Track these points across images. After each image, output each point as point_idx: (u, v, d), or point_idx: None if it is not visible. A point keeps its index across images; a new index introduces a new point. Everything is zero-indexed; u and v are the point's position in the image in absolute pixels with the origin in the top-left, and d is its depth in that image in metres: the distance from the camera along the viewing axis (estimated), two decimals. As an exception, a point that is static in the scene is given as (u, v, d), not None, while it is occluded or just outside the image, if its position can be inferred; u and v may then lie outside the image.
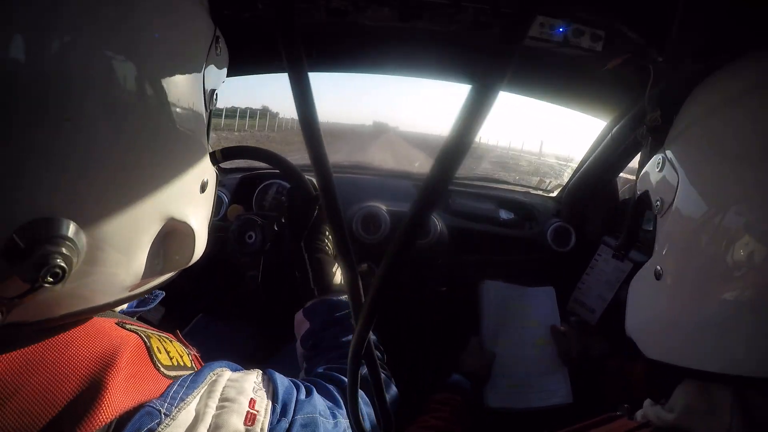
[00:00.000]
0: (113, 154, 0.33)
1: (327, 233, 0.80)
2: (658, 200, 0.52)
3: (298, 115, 0.23)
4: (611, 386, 0.91)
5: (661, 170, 0.53)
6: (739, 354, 0.40)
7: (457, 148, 0.19)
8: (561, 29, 0.78)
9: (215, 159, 0.82)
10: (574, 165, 1.43)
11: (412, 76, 1.30)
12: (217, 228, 1.19)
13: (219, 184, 1.52)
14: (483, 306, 1.16)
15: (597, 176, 1.28)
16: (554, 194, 1.50)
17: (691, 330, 0.44)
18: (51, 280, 0.30)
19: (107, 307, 0.39)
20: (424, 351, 1.38)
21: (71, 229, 0.31)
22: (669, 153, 0.52)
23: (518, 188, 1.58)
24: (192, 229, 0.43)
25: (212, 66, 0.45)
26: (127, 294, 0.40)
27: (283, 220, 0.92)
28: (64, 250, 0.30)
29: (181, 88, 0.38)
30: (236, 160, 0.93)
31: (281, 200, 1.36)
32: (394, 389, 0.65)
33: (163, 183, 0.38)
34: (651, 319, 0.51)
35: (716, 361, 0.42)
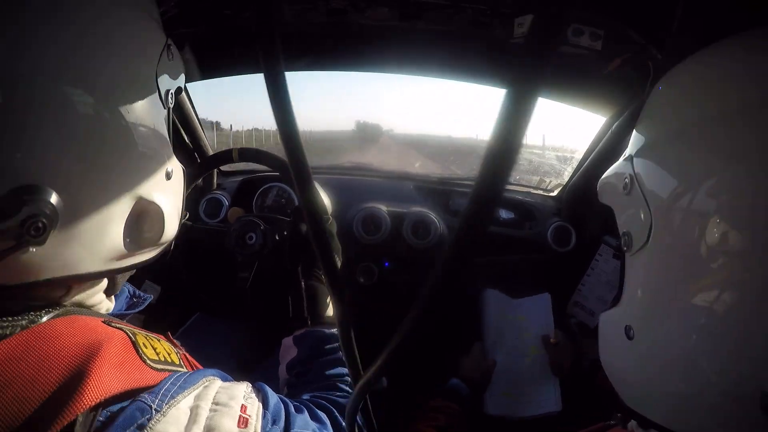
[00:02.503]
0: (83, 145, 0.39)
1: None
2: (625, 233, 0.43)
3: (277, 123, 0.22)
4: (605, 393, 0.91)
5: (628, 193, 0.43)
6: (711, 423, 0.35)
7: (502, 157, 0.17)
8: (560, 28, 0.78)
9: (231, 158, 0.85)
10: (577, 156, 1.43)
11: (413, 75, 1.31)
12: (216, 229, 1.19)
13: (219, 187, 1.52)
14: (484, 314, 1.17)
15: (597, 175, 1.27)
16: (554, 193, 1.50)
17: (664, 390, 0.39)
18: (33, 233, 0.35)
19: (90, 277, 0.44)
20: (422, 353, 1.38)
21: (53, 196, 0.37)
22: (638, 175, 0.42)
23: (518, 188, 1.58)
24: (161, 210, 0.49)
25: (165, 70, 0.51)
26: (109, 266, 0.45)
27: (285, 233, 0.92)
28: (47, 211, 0.36)
29: (134, 97, 0.45)
30: (236, 163, 0.93)
31: (281, 203, 1.36)
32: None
33: (130, 170, 0.45)
34: (624, 372, 0.44)
35: (687, 425, 0.37)
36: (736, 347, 0.33)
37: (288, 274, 0.79)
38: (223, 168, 1.46)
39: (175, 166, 0.52)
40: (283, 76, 0.21)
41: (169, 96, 0.53)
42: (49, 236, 0.37)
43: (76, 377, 0.34)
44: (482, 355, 1.08)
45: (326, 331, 0.71)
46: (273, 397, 0.48)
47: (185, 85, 0.53)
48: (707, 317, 0.34)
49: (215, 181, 1.39)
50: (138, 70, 0.47)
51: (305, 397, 0.60)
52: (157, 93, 0.49)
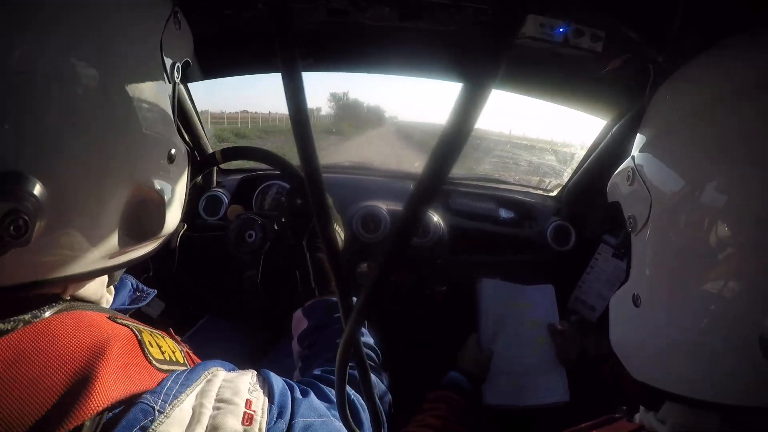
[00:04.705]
0: (75, 122, 0.35)
1: None
2: (630, 217, 0.49)
3: (291, 118, 0.23)
4: (609, 386, 0.91)
5: (631, 184, 0.50)
6: (725, 383, 0.39)
7: (450, 146, 0.19)
8: (561, 29, 0.78)
9: (215, 160, 0.84)
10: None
11: (414, 76, 1.30)
12: (216, 227, 1.19)
13: (219, 185, 1.51)
14: (481, 304, 1.16)
15: (597, 175, 1.28)
16: (554, 193, 1.50)
17: (675, 358, 0.43)
18: (13, 233, 0.30)
19: (85, 277, 0.40)
20: (424, 350, 1.38)
21: (37, 187, 0.32)
22: (639, 167, 0.49)
23: (518, 188, 1.58)
24: (162, 198, 0.44)
25: (171, 41, 0.46)
26: (104, 264, 0.41)
27: (283, 220, 0.93)
28: (28, 206, 0.31)
29: (135, 68, 0.41)
30: (237, 161, 0.93)
31: (281, 201, 1.36)
32: (383, 388, 0.64)
33: (127, 152, 0.39)
34: (634, 343, 0.49)
35: (701, 389, 0.41)
36: (728, 296, 0.37)
37: (293, 252, 0.79)
38: (223, 166, 1.46)
39: (178, 147, 0.48)
40: (300, 76, 0.22)
41: (175, 69, 0.48)
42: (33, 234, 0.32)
43: (83, 381, 0.33)
44: (478, 347, 1.08)
45: (334, 299, 0.71)
46: (278, 386, 0.46)
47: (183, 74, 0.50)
48: (701, 279, 0.40)
49: (215, 178, 1.39)
50: (142, 38, 0.42)
51: (316, 372, 0.59)
52: (161, 65, 0.44)
